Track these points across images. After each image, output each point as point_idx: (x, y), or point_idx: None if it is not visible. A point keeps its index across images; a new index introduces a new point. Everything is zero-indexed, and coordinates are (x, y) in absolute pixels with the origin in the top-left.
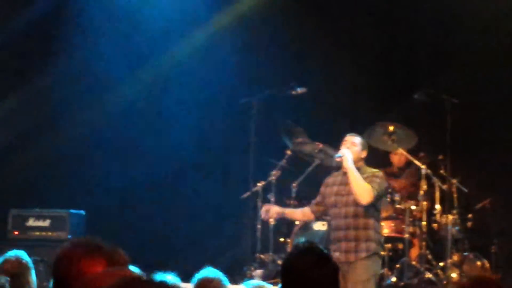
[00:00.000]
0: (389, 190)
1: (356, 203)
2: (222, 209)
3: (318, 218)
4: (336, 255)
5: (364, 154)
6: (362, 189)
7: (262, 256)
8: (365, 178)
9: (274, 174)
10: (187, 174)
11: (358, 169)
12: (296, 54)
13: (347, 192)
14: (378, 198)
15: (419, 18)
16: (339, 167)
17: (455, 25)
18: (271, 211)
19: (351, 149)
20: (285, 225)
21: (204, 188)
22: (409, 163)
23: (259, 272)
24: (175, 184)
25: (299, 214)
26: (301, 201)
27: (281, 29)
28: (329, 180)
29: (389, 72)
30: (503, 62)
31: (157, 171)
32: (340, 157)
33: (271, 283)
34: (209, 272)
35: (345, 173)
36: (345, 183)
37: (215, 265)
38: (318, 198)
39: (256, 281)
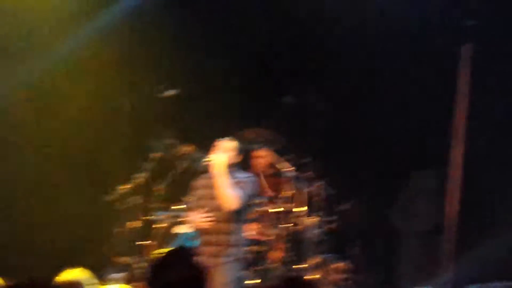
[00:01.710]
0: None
1: (223, 208)
2: (85, 211)
3: None
4: (203, 258)
5: (236, 158)
6: (229, 196)
7: (121, 259)
8: (236, 183)
9: (139, 177)
10: (52, 175)
11: (230, 173)
12: (167, 56)
13: (214, 196)
14: (247, 204)
15: (289, 23)
16: (207, 170)
17: (324, 30)
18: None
19: (222, 154)
20: (147, 228)
21: (69, 190)
22: (274, 165)
23: (120, 275)
24: (39, 185)
25: None
26: (168, 204)
27: (154, 30)
28: (199, 182)
29: (258, 76)
30: (369, 66)
31: (22, 172)
32: (210, 161)
33: (134, 286)
34: (74, 273)
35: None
36: (213, 187)
37: (79, 267)
38: (193, 200)
39: (118, 285)
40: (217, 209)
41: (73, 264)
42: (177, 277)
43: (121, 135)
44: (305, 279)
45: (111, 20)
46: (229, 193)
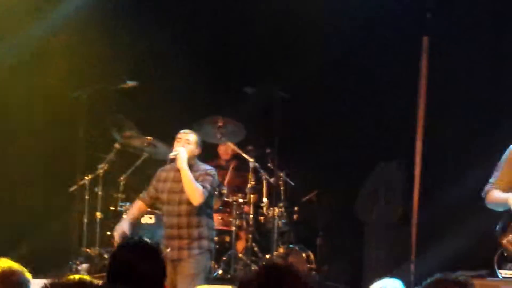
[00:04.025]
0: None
1: (189, 201)
2: (49, 202)
3: (149, 207)
4: (168, 251)
5: (198, 151)
6: (194, 191)
7: (88, 250)
8: (198, 176)
9: (102, 168)
10: (14, 165)
11: (192, 165)
12: (128, 47)
13: (180, 189)
14: (210, 197)
15: (250, 13)
16: (171, 160)
17: (285, 20)
18: (122, 232)
19: (185, 147)
20: (112, 219)
21: (31, 180)
22: (236, 156)
23: (85, 266)
24: (1, 174)
25: (137, 213)
26: (129, 195)
27: (114, 21)
28: (162, 174)
29: (220, 66)
30: (332, 58)
31: None
32: (175, 155)
33: (97, 277)
34: (6, 263)
35: (178, 170)
36: (178, 180)
37: (42, 259)
38: (151, 190)
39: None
40: (181, 202)
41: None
42: (137, 268)
43: (81, 126)
44: (287, 266)
45: (69, 12)
46: (194, 189)
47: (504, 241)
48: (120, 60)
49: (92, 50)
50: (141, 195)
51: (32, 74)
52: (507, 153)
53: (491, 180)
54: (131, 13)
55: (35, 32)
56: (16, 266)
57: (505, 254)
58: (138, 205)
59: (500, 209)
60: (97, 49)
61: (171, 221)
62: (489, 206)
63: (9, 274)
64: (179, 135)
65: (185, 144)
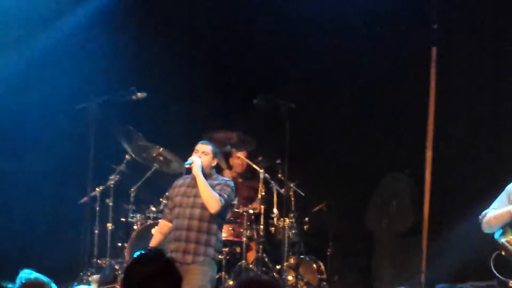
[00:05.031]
0: None
1: (203, 206)
2: (59, 213)
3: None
4: (173, 254)
5: (215, 162)
6: (211, 198)
7: (99, 261)
8: (216, 185)
9: (113, 179)
10: (25, 177)
11: (209, 176)
12: (135, 58)
13: (194, 194)
14: (226, 207)
15: (257, 24)
16: (187, 170)
17: (294, 33)
18: None
19: (202, 157)
20: (122, 230)
21: (42, 191)
22: (247, 167)
23: (95, 277)
24: (12, 186)
25: (160, 236)
26: (139, 206)
27: (121, 33)
28: (178, 181)
29: (229, 77)
30: (343, 70)
31: None
32: (190, 163)
33: None
34: (33, 274)
35: (194, 178)
36: (193, 185)
37: (52, 270)
38: (169, 202)
39: (84, 286)
40: (195, 206)
41: (50, 265)
42: (152, 278)
43: (91, 136)
44: (265, 281)
45: (77, 23)
46: (212, 196)
47: (503, 240)
48: (128, 71)
49: (100, 60)
50: (161, 215)
51: (42, 85)
52: (509, 186)
53: (491, 207)
54: (138, 24)
55: (43, 43)
56: (42, 277)
57: (503, 253)
58: (160, 228)
59: (498, 227)
60: (105, 60)
61: (181, 223)
62: (486, 230)
63: (38, 285)
64: (196, 147)
65: (202, 155)
